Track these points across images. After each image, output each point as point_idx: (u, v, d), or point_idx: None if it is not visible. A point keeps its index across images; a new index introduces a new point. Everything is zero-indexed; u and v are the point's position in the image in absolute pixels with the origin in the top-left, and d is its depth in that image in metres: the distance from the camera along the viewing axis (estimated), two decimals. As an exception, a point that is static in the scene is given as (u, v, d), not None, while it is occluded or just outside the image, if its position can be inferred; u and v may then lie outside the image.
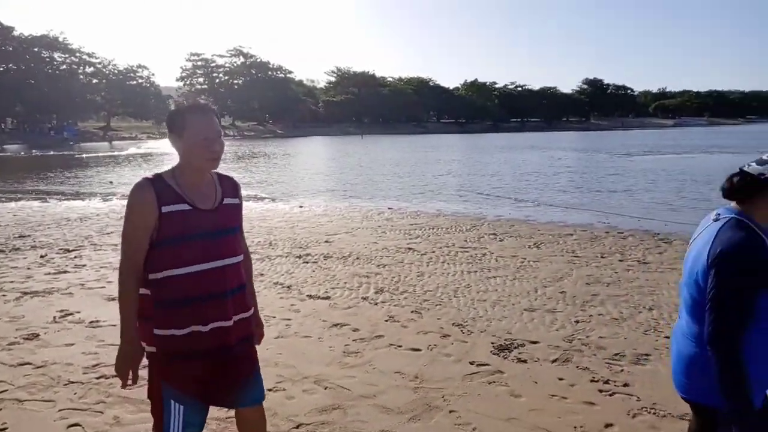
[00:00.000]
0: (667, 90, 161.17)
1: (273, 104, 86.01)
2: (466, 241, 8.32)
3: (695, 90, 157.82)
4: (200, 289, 1.87)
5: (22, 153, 43.42)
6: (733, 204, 1.81)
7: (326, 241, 8.25)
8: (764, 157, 1.76)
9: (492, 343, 4.29)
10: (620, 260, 7.02)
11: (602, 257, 7.20)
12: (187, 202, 1.86)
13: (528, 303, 5.29)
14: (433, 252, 7.54)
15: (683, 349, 1.89)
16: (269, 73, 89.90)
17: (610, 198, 13.69)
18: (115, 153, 42.19)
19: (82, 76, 73.72)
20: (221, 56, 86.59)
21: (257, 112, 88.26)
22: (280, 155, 36.69)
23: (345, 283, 6.02)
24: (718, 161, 25.12)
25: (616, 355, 4.06)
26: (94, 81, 75.24)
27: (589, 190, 15.26)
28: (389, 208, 11.93)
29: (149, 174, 1.91)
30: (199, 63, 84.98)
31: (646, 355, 4.05)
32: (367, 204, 12.97)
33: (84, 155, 38.64)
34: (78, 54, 72.80)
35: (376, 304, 5.29)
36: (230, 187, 2.05)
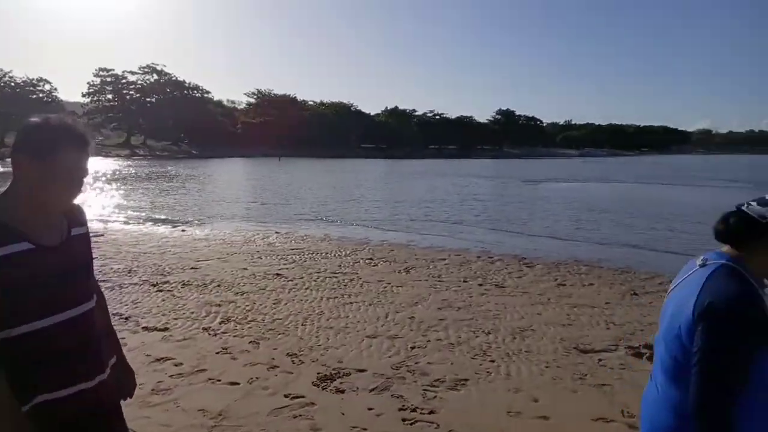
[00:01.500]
0: (573, 122, 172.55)
1: (189, 124, 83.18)
2: (340, 266, 8.26)
3: (596, 123, 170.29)
4: (51, 348, 1.48)
5: None
6: (725, 248, 1.55)
7: (192, 268, 7.90)
8: (767, 197, 1.50)
9: (318, 373, 4.19)
10: (480, 284, 7.22)
11: (464, 281, 7.38)
12: (27, 240, 1.45)
13: (373, 329, 5.26)
14: (301, 278, 7.40)
15: (657, 419, 1.55)
16: (185, 92, 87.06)
17: (507, 224, 14.18)
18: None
19: (-29, 88, 67.90)
20: (133, 73, 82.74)
21: (172, 131, 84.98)
22: (184, 176, 35.35)
23: (192, 312, 5.74)
24: (616, 190, 26.98)
25: (436, 380, 4.09)
26: (-14, 93, 69.46)
27: (489, 218, 15.77)
28: (276, 232, 11.69)
29: None
30: (109, 79, 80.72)
31: (465, 380, 4.11)
32: (256, 228, 12.65)
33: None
34: (-33, 64, 67.00)
35: (215, 335, 5.06)
36: (76, 213, 1.65)
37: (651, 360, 4.51)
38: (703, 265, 1.53)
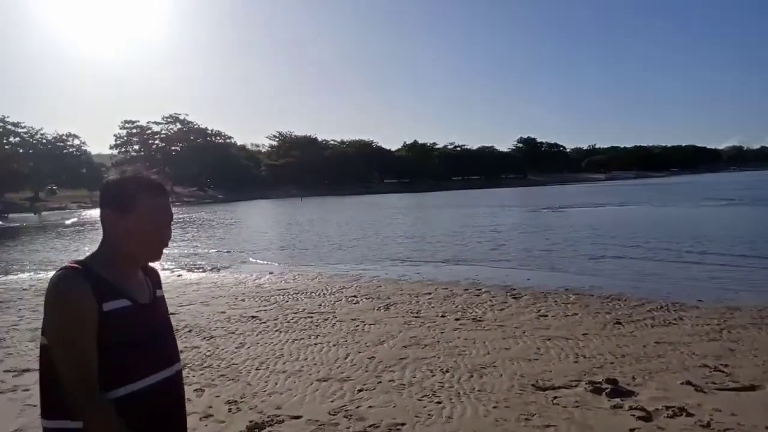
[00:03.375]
0: (597, 146, 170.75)
1: (213, 169, 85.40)
2: (320, 305, 8.11)
3: (622, 146, 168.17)
4: (149, 411, 1.46)
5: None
6: None
7: (171, 313, 7.84)
8: None
9: (251, 421, 4.02)
10: (456, 319, 6.97)
11: (441, 316, 7.13)
12: (126, 296, 1.47)
13: (326, 372, 5.07)
14: (275, 319, 7.27)
15: None
16: (208, 138, 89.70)
17: (522, 253, 13.77)
18: (47, 223, 40.20)
19: (6, 147, 71.17)
20: (157, 123, 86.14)
21: (197, 177, 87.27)
22: (200, 221, 35.93)
23: (150, 360, 5.64)
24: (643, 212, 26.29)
25: (370, 426, 3.87)
26: (20, 151, 72.74)
27: (505, 247, 15.43)
28: (270, 273, 11.65)
29: (70, 262, 1.46)
30: (134, 131, 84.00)
31: (401, 424, 3.88)
32: (252, 268, 12.63)
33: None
34: (1, 124, 70.56)
35: (163, 382, 4.94)
36: (155, 275, 1.67)
37: (611, 396, 4.21)
38: None
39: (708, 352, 5.24)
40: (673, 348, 5.42)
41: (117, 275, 1.48)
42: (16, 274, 13.12)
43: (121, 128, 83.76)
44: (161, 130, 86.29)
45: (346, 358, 5.48)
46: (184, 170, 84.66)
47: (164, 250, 1.55)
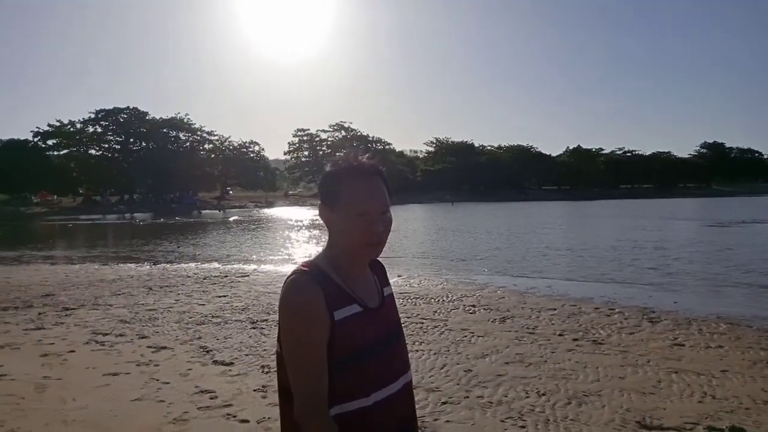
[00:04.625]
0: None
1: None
2: (435, 312, 8.06)
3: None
4: (386, 425, 1.35)
5: (148, 221, 48.72)
6: None
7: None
8: None
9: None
10: (574, 339, 6.43)
11: (559, 335, 6.64)
12: (357, 302, 1.35)
13: (417, 380, 5.02)
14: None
15: None
16: (369, 145, 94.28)
17: (682, 274, 12.16)
18: (234, 218, 45.78)
19: (202, 152, 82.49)
20: (324, 131, 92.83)
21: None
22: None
23: (265, 350, 6.10)
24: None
25: (439, 442, 3.75)
26: (212, 156, 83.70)
27: (665, 267, 13.80)
28: (398, 275, 11.86)
29: (303, 264, 1.38)
30: (305, 138, 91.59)
31: (472, 444, 3.70)
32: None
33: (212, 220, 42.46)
34: (199, 133, 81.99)
35: (269, 372, 5.31)
36: (382, 272, 1.53)
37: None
38: None
39: None
40: (841, 401, 4.40)
41: (346, 276, 1.36)
42: (187, 263, 15.12)
43: (293, 135, 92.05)
44: (328, 137, 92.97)
45: (442, 368, 5.38)
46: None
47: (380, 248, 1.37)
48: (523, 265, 13.95)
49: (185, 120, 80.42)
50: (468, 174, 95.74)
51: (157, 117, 79.44)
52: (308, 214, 50.31)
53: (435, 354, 5.88)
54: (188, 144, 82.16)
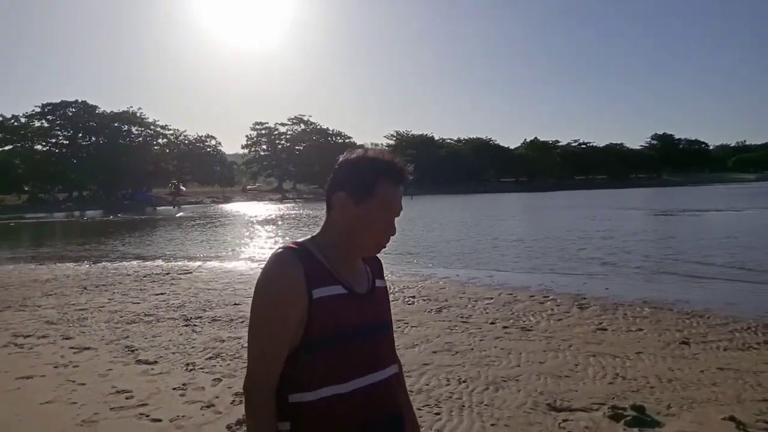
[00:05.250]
0: (747, 143, 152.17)
1: (333, 168, 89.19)
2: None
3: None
4: (361, 416, 1.30)
5: (97, 218, 47.10)
6: None
7: (236, 304, 8.25)
8: None
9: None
10: (504, 327, 6.57)
11: (491, 323, 6.77)
12: (341, 284, 1.32)
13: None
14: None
15: None
16: (329, 138, 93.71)
17: (621, 262, 12.54)
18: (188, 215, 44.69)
19: (156, 147, 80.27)
20: (283, 124, 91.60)
21: (318, 175, 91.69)
22: (304, 215, 37.54)
23: (192, 348, 5.98)
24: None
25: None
26: (167, 151, 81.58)
27: (609, 255, 14.29)
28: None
29: (292, 243, 1.36)
30: (263, 131, 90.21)
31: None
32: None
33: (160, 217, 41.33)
34: (153, 127, 79.77)
35: (191, 371, 5.21)
36: (377, 264, 1.50)
37: (630, 425, 3.71)
38: None
39: (782, 386, 4.41)
40: (737, 376, 4.63)
41: (335, 260, 1.34)
42: (129, 261, 14.69)
43: (251, 129, 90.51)
44: (286, 131, 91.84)
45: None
46: (307, 169, 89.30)
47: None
48: (471, 257, 14.16)
49: (138, 114, 78.09)
50: (428, 167, 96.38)
51: (108, 111, 76.93)
52: (267, 209, 49.76)
53: (365, 345, 5.90)
54: (141, 138, 79.81)
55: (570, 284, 9.62)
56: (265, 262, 1.33)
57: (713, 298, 8.06)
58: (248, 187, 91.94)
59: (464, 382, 4.72)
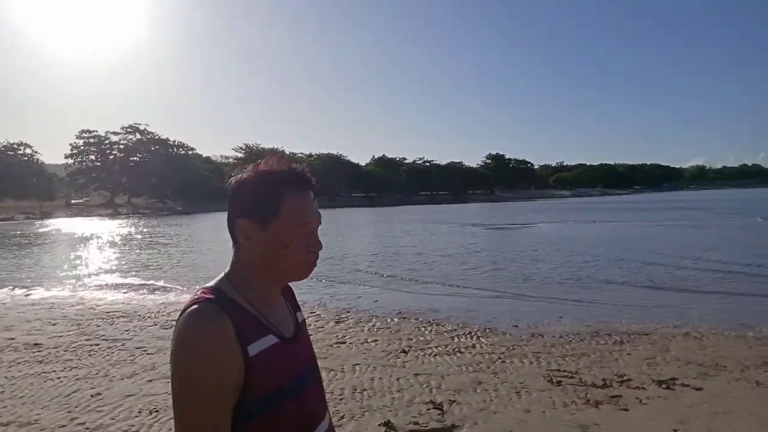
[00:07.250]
0: (565, 164, 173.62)
1: (174, 181, 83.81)
2: (127, 331, 7.51)
3: (589, 163, 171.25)
4: None
5: None
6: None
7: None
8: None
9: None
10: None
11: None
12: (272, 332, 1.11)
13: (27, 411, 4.50)
14: (60, 347, 6.66)
15: None
16: (170, 149, 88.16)
17: (415, 273, 13.34)
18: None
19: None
20: (116, 133, 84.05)
21: (156, 188, 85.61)
22: (126, 235, 34.83)
23: None
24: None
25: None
26: (-33, 159, 70.45)
27: (413, 269, 14.99)
28: (124, 292, 10.99)
29: (203, 290, 1.10)
30: (92, 140, 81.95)
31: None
32: (133, 284, 11.97)
33: None
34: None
35: None
36: (291, 295, 1.30)
37: None
38: None
39: (454, 386, 4.83)
40: (425, 380, 5.00)
41: (256, 302, 1.12)
42: None
43: (77, 137, 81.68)
44: (120, 140, 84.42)
45: (69, 395, 4.92)
46: (143, 181, 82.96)
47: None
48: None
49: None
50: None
51: None
52: (96, 226, 45.05)
53: (77, 380, 5.39)
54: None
55: (345, 298, 9.86)
56: (177, 322, 1.05)
57: (459, 306, 8.77)
58: (73, 201, 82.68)
59: (156, 411, 4.47)
